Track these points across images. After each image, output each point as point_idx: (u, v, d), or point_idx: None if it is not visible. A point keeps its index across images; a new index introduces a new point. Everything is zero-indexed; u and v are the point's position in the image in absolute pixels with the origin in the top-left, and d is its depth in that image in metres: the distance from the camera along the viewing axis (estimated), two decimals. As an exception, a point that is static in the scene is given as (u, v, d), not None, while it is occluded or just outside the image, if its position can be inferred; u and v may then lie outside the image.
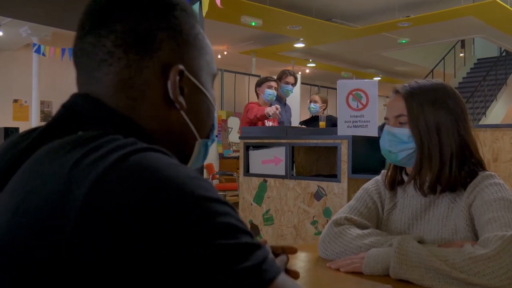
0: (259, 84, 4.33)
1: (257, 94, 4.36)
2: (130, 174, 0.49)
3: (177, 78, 0.62)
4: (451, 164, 1.22)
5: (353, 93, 2.81)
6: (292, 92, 4.56)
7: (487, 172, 1.23)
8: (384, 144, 1.31)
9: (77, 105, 0.60)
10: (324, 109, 4.69)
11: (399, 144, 1.27)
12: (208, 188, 0.52)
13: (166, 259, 0.46)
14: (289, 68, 12.10)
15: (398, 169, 1.34)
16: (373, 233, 1.24)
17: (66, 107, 0.61)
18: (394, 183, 1.34)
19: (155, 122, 0.62)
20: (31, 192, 0.51)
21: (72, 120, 0.59)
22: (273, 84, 4.28)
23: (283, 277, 0.50)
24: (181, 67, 0.62)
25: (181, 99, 0.62)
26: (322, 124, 4.19)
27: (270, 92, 4.22)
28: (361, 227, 1.29)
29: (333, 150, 2.95)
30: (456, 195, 1.24)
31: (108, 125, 0.58)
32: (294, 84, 4.51)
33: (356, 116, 2.80)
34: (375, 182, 1.40)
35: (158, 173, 0.50)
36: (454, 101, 1.26)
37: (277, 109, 3.93)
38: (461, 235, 1.20)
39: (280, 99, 4.48)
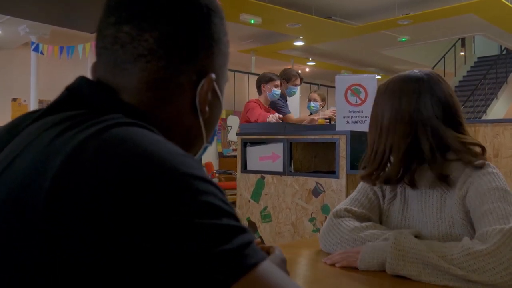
0: (266, 81, 4.21)
1: (261, 90, 4.24)
2: (107, 146, 0.47)
3: (211, 87, 0.61)
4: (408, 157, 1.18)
5: (352, 88, 2.78)
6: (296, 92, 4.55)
7: (480, 161, 1.17)
8: None
9: (82, 88, 0.58)
10: (323, 107, 4.66)
11: None
12: (193, 165, 0.49)
13: (140, 236, 0.44)
14: (289, 67, 12.09)
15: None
16: (370, 226, 1.22)
17: (70, 90, 0.59)
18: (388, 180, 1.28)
19: (174, 124, 0.60)
20: (11, 165, 0.51)
21: (74, 102, 0.57)
22: (279, 83, 4.22)
23: (267, 265, 0.47)
24: (213, 76, 0.61)
25: (207, 108, 0.62)
26: (321, 121, 4.17)
27: (277, 92, 4.15)
28: (362, 218, 1.27)
29: (331, 146, 2.92)
30: (448, 185, 1.19)
31: (109, 110, 0.55)
32: (299, 85, 4.49)
33: (355, 112, 2.77)
34: None
35: (138, 146, 0.47)
36: (411, 88, 1.22)
37: (278, 118, 3.89)
38: (458, 228, 1.16)
39: (283, 96, 4.44)
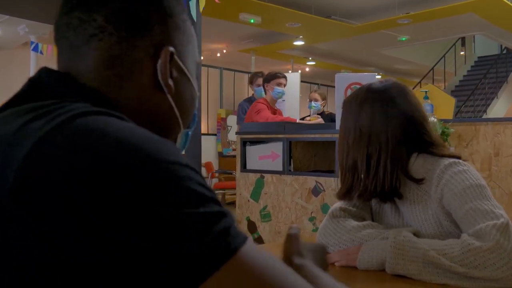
0: (267, 80, 4.17)
1: (265, 90, 4.20)
2: (74, 136, 0.45)
3: (168, 59, 0.61)
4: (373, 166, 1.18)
5: (352, 86, 2.76)
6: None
7: (450, 160, 1.16)
8: None
9: (42, 79, 0.58)
10: (324, 106, 4.64)
11: None
12: (168, 150, 0.47)
13: (120, 228, 0.42)
14: (289, 66, 12.07)
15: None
16: (368, 225, 1.21)
17: (32, 80, 0.58)
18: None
19: (140, 104, 0.60)
20: None
21: (35, 93, 0.56)
22: (283, 81, 4.14)
23: (250, 246, 0.46)
24: (171, 49, 0.61)
25: (170, 81, 0.61)
26: (313, 118, 4.16)
27: (279, 90, 4.10)
28: (357, 217, 1.27)
29: (331, 145, 2.91)
30: (425, 185, 1.18)
31: (71, 97, 0.54)
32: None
33: (355, 110, 2.75)
34: None
35: (106, 135, 0.46)
36: (363, 99, 1.22)
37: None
38: (445, 228, 1.16)
39: (251, 101, 4.39)
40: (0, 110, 0.56)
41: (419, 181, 1.17)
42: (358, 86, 2.78)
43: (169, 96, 0.62)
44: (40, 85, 0.57)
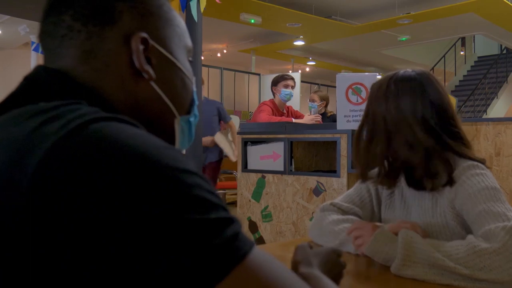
0: (274, 83, 4.14)
1: (273, 93, 4.18)
2: (87, 143, 0.45)
3: (140, 46, 0.60)
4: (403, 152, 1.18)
5: (353, 87, 2.77)
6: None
7: (469, 162, 1.17)
8: None
9: (40, 76, 0.59)
10: (324, 107, 4.62)
11: None
12: (177, 157, 0.48)
13: (133, 235, 0.42)
14: (289, 66, 12.06)
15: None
16: (347, 220, 1.27)
17: (28, 79, 0.59)
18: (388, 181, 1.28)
19: (123, 93, 0.60)
20: None
21: (33, 91, 0.57)
22: (290, 83, 4.09)
23: (257, 251, 0.47)
24: (143, 35, 0.61)
25: (147, 67, 0.61)
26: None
27: (287, 92, 4.06)
28: (347, 212, 1.34)
29: (332, 145, 2.91)
30: (438, 182, 1.18)
31: (70, 96, 0.55)
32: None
33: (356, 111, 2.75)
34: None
35: (118, 141, 0.46)
36: (408, 88, 1.21)
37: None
38: (450, 228, 1.17)
39: None
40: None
41: (434, 176, 1.17)
42: (359, 87, 2.78)
43: (152, 83, 0.62)
44: (38, 83, 0.57)
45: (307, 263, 0.81)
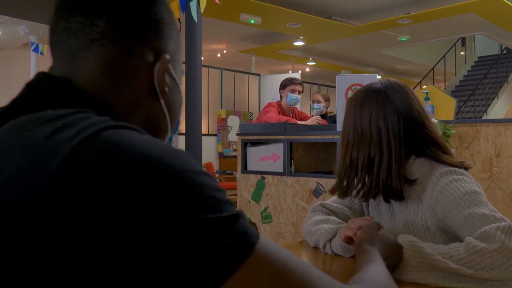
0: (282, 86, 4.12)
1: (281, 96, 4.16)
2: (102, 149, 0.47)
3: (165, 66, 0.63)
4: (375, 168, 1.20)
5: (352, 88, 2.76)
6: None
7: (446, 168, 1.18)
8: None
9: (43, 83, 0.58)
10: (327, 107, 4.60)
11: None
12: (187, 159, 0.50)
13: (144, 236, 0.44)
14: (289, 67, 12.06)
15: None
16: (325, 220, 1.31)
17: (31, 86, 0.58)
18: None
19: (135, 109, 0.61)
20: None
21: (37, 98, 0.57)
22: (297, 87, 4.06)
23: (263, 241, 0.50)
24: (168, 57, 0.63)
25: (166, 88, 0.63)
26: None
27: (293, 97, 4.04)
28: (335, 213, 1.38)
29: (332, 146, 2.91)
30: (418, 188, 1.21)
31: (73, 105, 0.55)
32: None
33: (356, 112, 2.75)
34: None
35: (133, 147, 0.48)
36: (369, 100, 1.24)
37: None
38: (431, 232, 1.18)
39: None
40: (3, 114, 0.55)
41: (411, 182, 1.20)
42: (359, 87, 2.78)
43: (162, 102, 0.64)
44: (42, 91, 0.57)
45: (371, 242, 0.95)
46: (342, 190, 1.29)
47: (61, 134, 0.48)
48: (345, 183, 1.27)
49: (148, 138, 0.51)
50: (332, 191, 1.32)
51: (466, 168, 1.22)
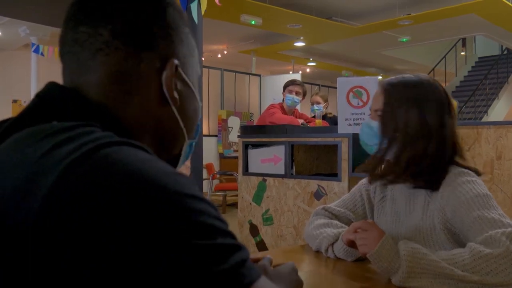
0: (284, 88, 4.13)
1: (283, 98, 4.17)
2: (97, 168, 0.46)
3: (174, 72, 0.62)
4: (413, 163, 1.19)
5: (354, 90, 2.76)
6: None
7: (459, 169, 1.19)
8: (362, 135, 1.32)
9: (52, 94, 0.58)
10: (326, 108, 4.61)
11: (374, 137, 1.27)
12: (185, 183, 0.48)
13: (138, 258, 0.43)
14: (290, 67, 12.06)
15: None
16: (328, 224, 1.33)
17: (41, 97, 0.58)
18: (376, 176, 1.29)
19: (145, 117, 0.60)
20: None
21: (46, 109, 0.56)
22: (294, 88, 4.05)
23: (263, 282, 0.47)
24: (176, 62, 0.62)
25: (175, 94, 0.61)
26: (318, 121, 4.13)
27: (289, 98, 4.04)
28: (338, 217, 1.39)
29: (333, 149, 2.91)
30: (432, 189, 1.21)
31: (84, 117, 0.55)
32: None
33: (357, 114, 2.75)
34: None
35: (128, 166, 0.47)
36: (434, 97, 1.23)
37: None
38: (437, 233, 1.18)
39: None
40: (9, 128, 0.55)
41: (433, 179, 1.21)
42: (360, 90, 2.78)
43: (174, 109, 0.62)
44: (51, 102, 0.57)
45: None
46: (374, 173, 1.27)
47: (59, 150, 0.48)
48: (377, 167, 1.26)
49: (149, 158, 0.50)
50: (363, 169, 1.30)
51: (478, 174, 1.22)
